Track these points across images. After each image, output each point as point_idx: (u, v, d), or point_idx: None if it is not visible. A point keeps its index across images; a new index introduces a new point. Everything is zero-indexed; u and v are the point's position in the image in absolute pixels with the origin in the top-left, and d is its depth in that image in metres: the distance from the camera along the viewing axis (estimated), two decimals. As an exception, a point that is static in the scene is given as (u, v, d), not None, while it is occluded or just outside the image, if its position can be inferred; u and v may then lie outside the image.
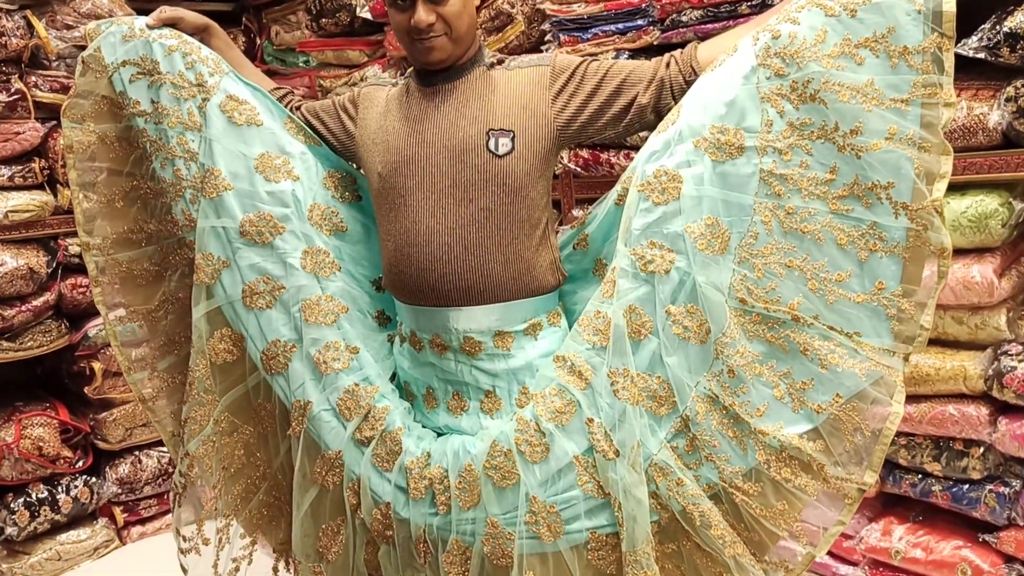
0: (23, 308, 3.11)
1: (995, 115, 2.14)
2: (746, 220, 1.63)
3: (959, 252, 2.26)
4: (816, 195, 1.60)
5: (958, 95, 2.17)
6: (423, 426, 1.90)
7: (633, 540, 1.65)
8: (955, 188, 2.25)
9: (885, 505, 2.59)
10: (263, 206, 1.88)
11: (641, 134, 2.57)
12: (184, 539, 2.05)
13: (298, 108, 2.05)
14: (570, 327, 1.85)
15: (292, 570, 2.05)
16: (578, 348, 1.72)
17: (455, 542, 1.74)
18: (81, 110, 1.95)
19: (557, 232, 1.93)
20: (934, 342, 2.38)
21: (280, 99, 2.03)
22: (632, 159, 2.75)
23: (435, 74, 1.82)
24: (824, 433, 1.64)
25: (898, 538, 2.46)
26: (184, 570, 2.06)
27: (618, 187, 1.82)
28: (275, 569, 2.12)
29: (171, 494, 2.05)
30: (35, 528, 3.15)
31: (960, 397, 2.33)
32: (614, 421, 1.66)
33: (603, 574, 1.71)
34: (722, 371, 1.64)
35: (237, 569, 2.05)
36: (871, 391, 1.62)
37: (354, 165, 2.06)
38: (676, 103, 1.74)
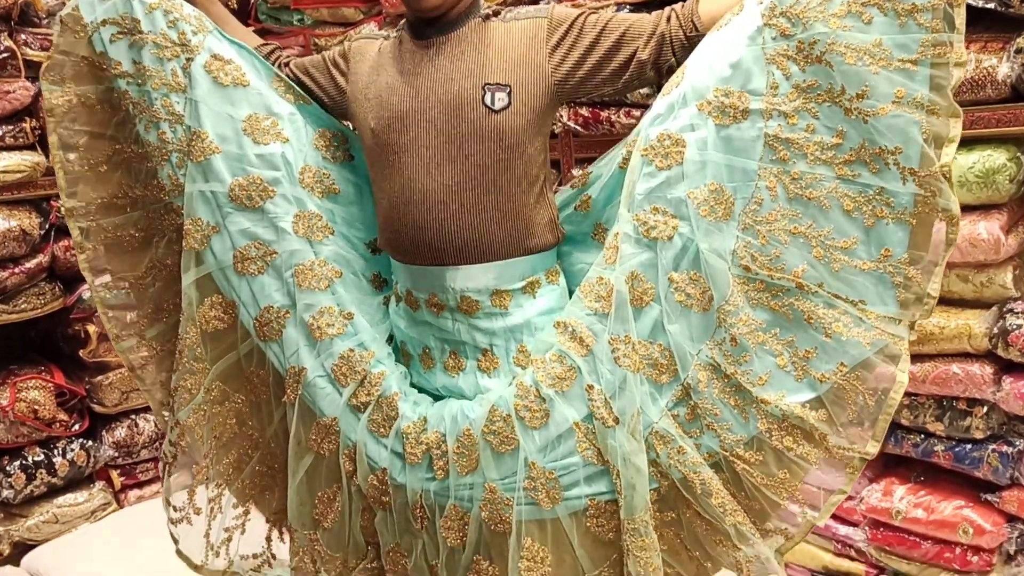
0: (16, 270, 3.07)
1: (1004, 68, 2.10)
2: (750, 186, 1.60)
3: (966, 208, 2.23)
4: (822, 160, 1.57)
5: (966, 47, 2.12)
6: (420, 387, 1.88)
7: (632, 508, 1.64)
8: (962, 143, 2.16)
9: (886, 466, 2.58)
10: (252, 169, 1.84)
11: (641, 91, 2.54)
12: (175, 509, 2.02)
13: (286, 64, 2.00)
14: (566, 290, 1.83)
15: (286, 539, 2.03)
16: (579, 314, 1.70)
17: (453, 507, 1.72)
18: (60, 72, 1.89)
19: (556, 191, 1.90)
20: (938, 300, 2.34)
21: (267, 56, 1.98)
22: (632, 116, 2.74)
23: (429, 25, 1.77)
24: (827, 402, 1.63)
25: (899, 498, 2.45)
26: (175, 540, 2.03)
27: (623, 150, 1.78)
28: (268, 538, 2.10)
29: (161, 464, 2.02)
30: (31, 491, 3.14)
31: (964, 356, 2.31)
32: (614, 388, 1.65)
33: (601, 541, 1.70)
34: (724, 339, 1.62)
35: (230, 539, 2.03)
36: (875, 360, 1.60)
37: (347, 124, 2.01)
38: (676, 59, 1.71)
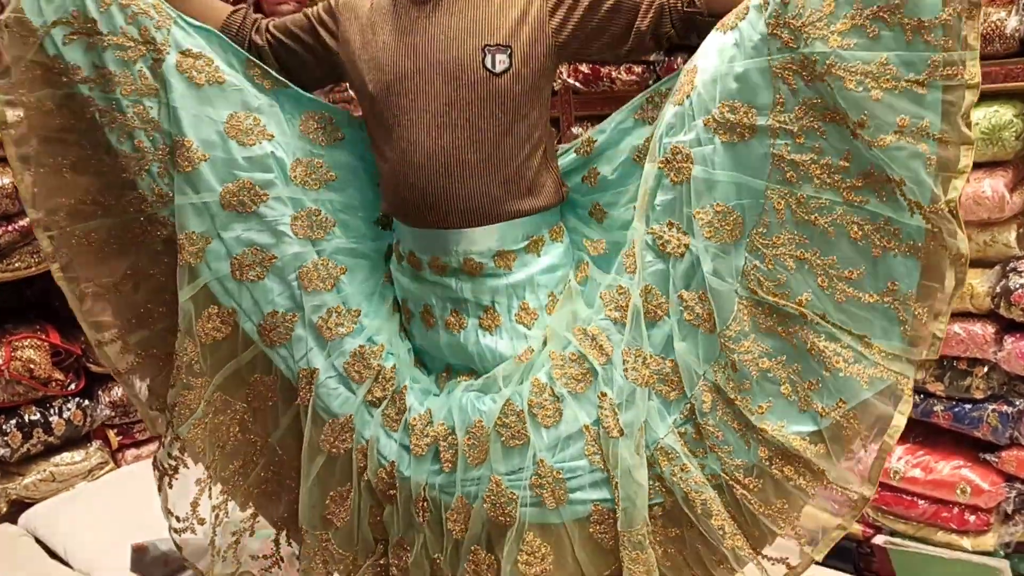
0: (9, 228, 3.04)
1: (1013, 21, 2.06)
2: (759, 205, 1.54)
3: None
4: (829, 184, 1.49)
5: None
6: (422, 347, 1.87)
7: (628, 520, 1.63)
8: None
9: (885, 426, 2.57)
10: (242, 174, 1.76)
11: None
12: (177, 519, 1.96)
13: (266, 30, 1.88)
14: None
15: (293, 545, 1.99)
16: (600, 322, 1.69)
17: (460, 499, 1.70)
18: (9, 80, 1.73)
19: (556, 150, 1.87)
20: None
21: (240, 26, 1.86)
22: (633, 73, 2.70)
23: None
24: (827, 437, 1.58)
25: (897, 458, 2.45)
26: (179, 548, 1.98)
27: (639, 137, 1.76)
28: (276, 541, 2.03)
29: (157, 474, 1.94)
30: (28, 450, 3.13)
31: (965, 316, 2.30)
32: (623, 400, 1.63)
33: (603, 549, 1.68)
34: (726, 364, 1.59)
35: (237, 542, 1.98)
36: (875, 400, 1.55)
37: (339, 90, 1.95)
38: (675, 31, 1.68)
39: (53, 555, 2.91)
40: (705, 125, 1.55)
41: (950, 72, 1.37)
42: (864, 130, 1.42)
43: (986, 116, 2.14)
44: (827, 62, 1.42)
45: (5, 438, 3.07)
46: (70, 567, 2.83)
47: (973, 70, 1.37)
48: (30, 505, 3.11)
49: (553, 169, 1.79)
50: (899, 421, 1.55)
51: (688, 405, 1.63)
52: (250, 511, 1.98)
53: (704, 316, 1.59)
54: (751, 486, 1.61)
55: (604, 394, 1.65)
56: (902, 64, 1.39)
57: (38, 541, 2.98)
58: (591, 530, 1.66)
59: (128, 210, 1.82)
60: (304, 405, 1.82)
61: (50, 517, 3.03)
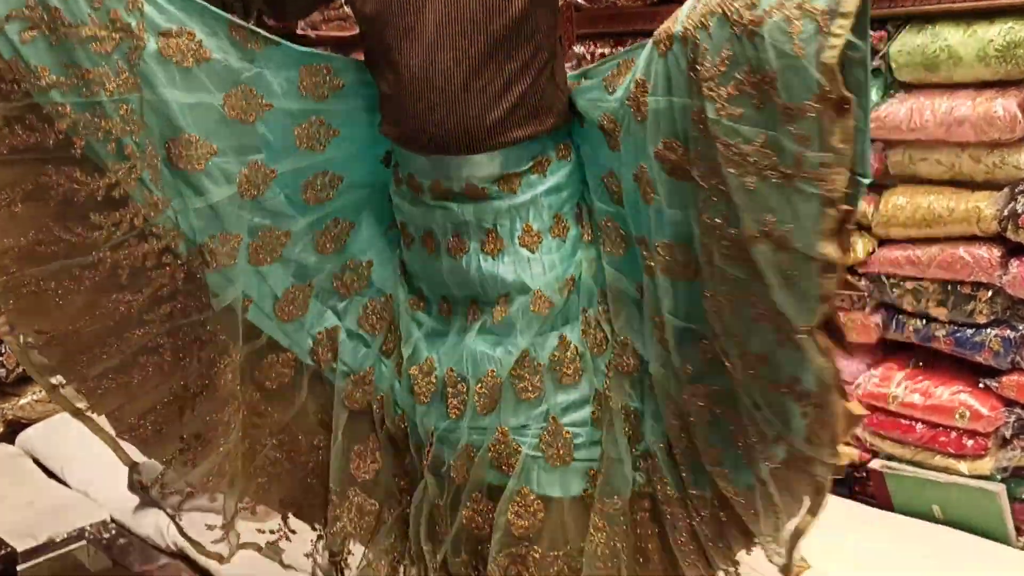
0: None
1: (1033, -69, 1.99)
2: (700, 252, 1.48)
3: (982, 85, 2.17)
4: (733, 257, 1.37)
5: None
6: (423, 273, 1.82)
7: (609, 490, 1.63)
8: (983, 15, 2.14)
9: (886, 352, 2.57)
10: (250, 156, 1.68)
11: None
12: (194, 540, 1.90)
13: None
14: None
15: (286, 523, 1.96)
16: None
17: (465, 447, 1.69)
18: None
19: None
20: (948, 182, 2.32)
21: None
22: (637, -11, 2.63)
23: None
24: (760, 499, 1.54)
25: (896, 383, 2.44)
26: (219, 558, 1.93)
27: (599, 107, 1.66)
28: (284, 517, 1.98)
29: (177, 502, 1.85)
30: (24, 370, 3.11)
31: (971, 239, 2.27)
32: (628, 380, 1.65)
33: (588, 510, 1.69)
34: (683, 401, 1.57)
35: (236, 513, 1.90)
36: (786, 495, 1.49)
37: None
38: None
39: (51, 475, 2.93)
40: (655, 156, 1.50)
41: (814, 175, 1.15)
42: (743, 216, 1.28)
43: (1000, 32, 2.08)
44: (713, 131, 1.30)
45: (1, 358, 3.07)
46: (68, 486, 2.85)
47: (836, 181, 1.12)
48: (27, 425, 3.13)
49: (561, 89, 1.71)
50: (805, 523, 1.45)
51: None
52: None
53: (673, 344, 1.58)
54: (705, 517, 1.61)
55: (610, 363, 1.66)
56: (777, 149, 1.21)
57: (36, 461, 3.00)
58: (584, 492, 1.67)
59: (110, 237, 1.63)
60: (328, 367, 1.82)
61: (47, 437, 3.04)
